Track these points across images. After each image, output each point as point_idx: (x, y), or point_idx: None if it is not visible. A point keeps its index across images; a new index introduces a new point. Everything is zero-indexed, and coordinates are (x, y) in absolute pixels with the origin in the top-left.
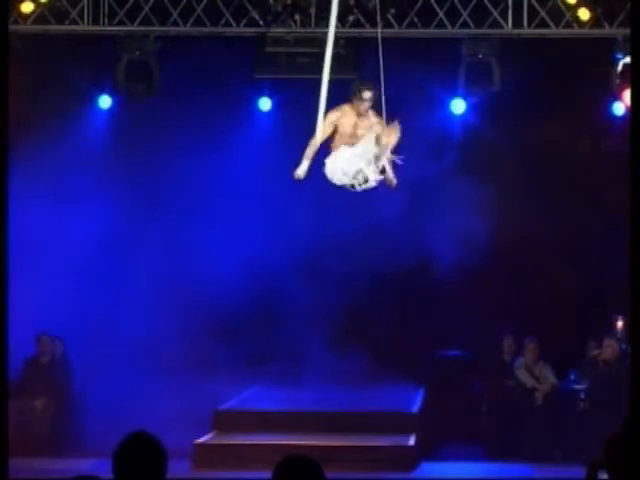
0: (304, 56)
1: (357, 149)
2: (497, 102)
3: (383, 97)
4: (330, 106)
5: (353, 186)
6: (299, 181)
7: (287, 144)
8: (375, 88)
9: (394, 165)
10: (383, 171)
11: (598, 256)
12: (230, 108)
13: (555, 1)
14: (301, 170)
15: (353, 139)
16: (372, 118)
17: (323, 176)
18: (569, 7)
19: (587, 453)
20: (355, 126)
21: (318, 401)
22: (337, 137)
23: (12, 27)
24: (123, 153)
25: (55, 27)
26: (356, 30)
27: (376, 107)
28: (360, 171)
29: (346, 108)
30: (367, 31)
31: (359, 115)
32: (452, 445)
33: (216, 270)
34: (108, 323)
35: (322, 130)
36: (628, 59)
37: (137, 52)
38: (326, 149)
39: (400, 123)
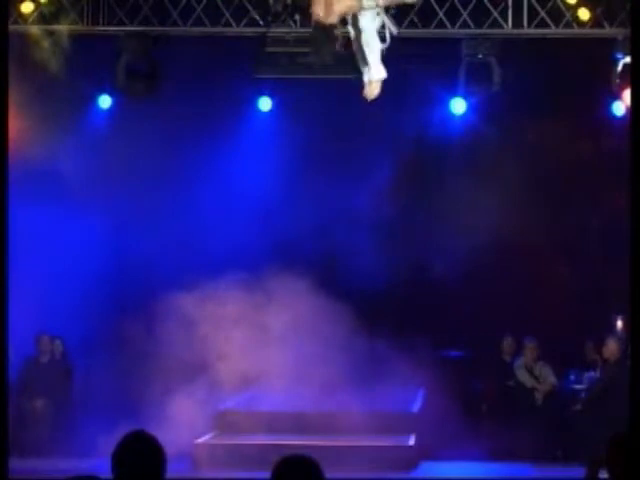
0: (304, 56)
1: None
2: (497, 102)
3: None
4: (331, 106)
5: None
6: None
7: (287, 144)
8: None
9: None
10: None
11: (598, 256)
12: (230, 108)
13: (555, 1)
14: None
15: None
16: None
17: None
18: (569, 7)
19: (587, 453)
20: None
21: (318, 401)
22: None
23: (12, 27)
24: (123, 153)
25: (55, 27)
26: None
27: None
28: None
29: None
30: None
31: None
32: (452, 445)
33: (214, 271)
34: (108, 322)
35: None
36: (628, 59)
37: (137, 52)
38: None
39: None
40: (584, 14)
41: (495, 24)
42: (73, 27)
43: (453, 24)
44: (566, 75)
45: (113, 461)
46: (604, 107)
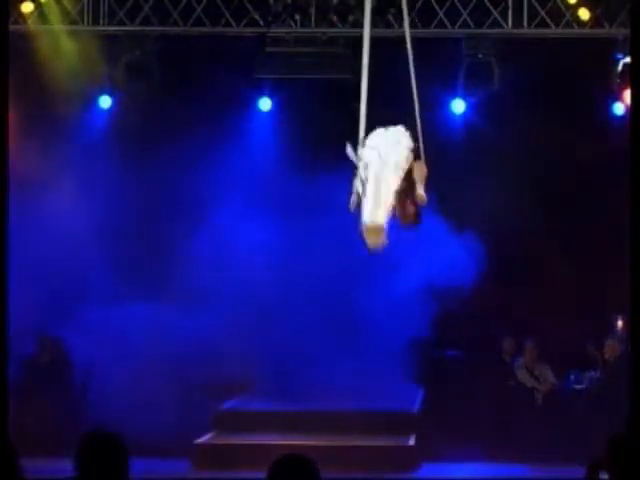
0: (304, 56)
1: None
2: (497, 102)
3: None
4: (331, 106)
5: None
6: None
7: (287, 144)
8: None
9: None
10: None
11: (598, 256)
12: (230, 108)
13: (555, 1)
14: None
15: None
16: None
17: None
18: (569, 7)
19: (587, 453)
20: None
21: (318, 401)
22: None
23: (12, 27)
24: (123, 153)
25: (55, 27)
26: (356, 30)
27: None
28: None
29: None
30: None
31: None
32: (452, 445)
33: (213, 270)
34: (108, 322)
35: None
36: (628, 59)
37: (137, 52)
38: None
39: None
40: (584, 14)
41: (495, 24)
42: (73, 27)
43: (453, 24)
44: (566, 75)
45: (74, 460)
46: (604, 107)
